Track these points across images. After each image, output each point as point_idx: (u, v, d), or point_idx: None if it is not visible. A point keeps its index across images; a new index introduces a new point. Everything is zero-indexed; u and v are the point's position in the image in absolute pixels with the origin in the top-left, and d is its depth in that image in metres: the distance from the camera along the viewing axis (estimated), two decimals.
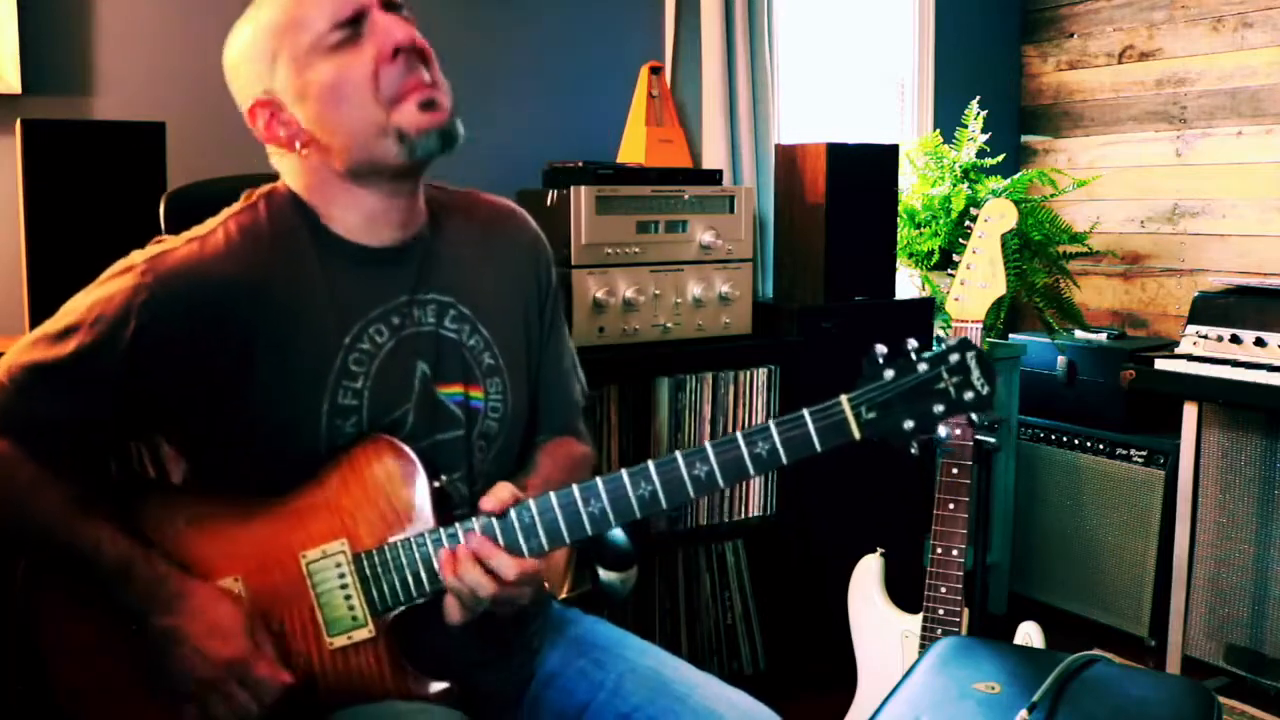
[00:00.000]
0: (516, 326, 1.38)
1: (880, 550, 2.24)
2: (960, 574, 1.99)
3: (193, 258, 1.19)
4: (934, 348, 1.16)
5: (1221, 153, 3.26)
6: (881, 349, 1.16)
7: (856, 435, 1.15)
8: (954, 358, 1.15)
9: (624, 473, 1.17)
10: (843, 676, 2.23)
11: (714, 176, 2.61)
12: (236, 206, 1.26)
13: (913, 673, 1.58)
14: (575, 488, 1.18)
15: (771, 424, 1.15)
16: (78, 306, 1.19)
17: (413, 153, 1.21)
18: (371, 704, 1.19)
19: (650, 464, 1.17)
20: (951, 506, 1.99)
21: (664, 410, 2.46)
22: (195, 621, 1.15)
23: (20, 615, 1.21)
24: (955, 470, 1.99)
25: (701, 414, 2.51)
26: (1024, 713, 1.41)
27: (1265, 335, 2.53)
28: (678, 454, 1.16)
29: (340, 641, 1.20)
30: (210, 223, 1.24)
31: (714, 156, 2.85)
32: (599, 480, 1.18)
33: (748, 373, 2.55)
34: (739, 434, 1.16)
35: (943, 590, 2.00)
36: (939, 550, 2.00)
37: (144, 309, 1.16)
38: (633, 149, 2.79)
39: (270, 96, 1.22)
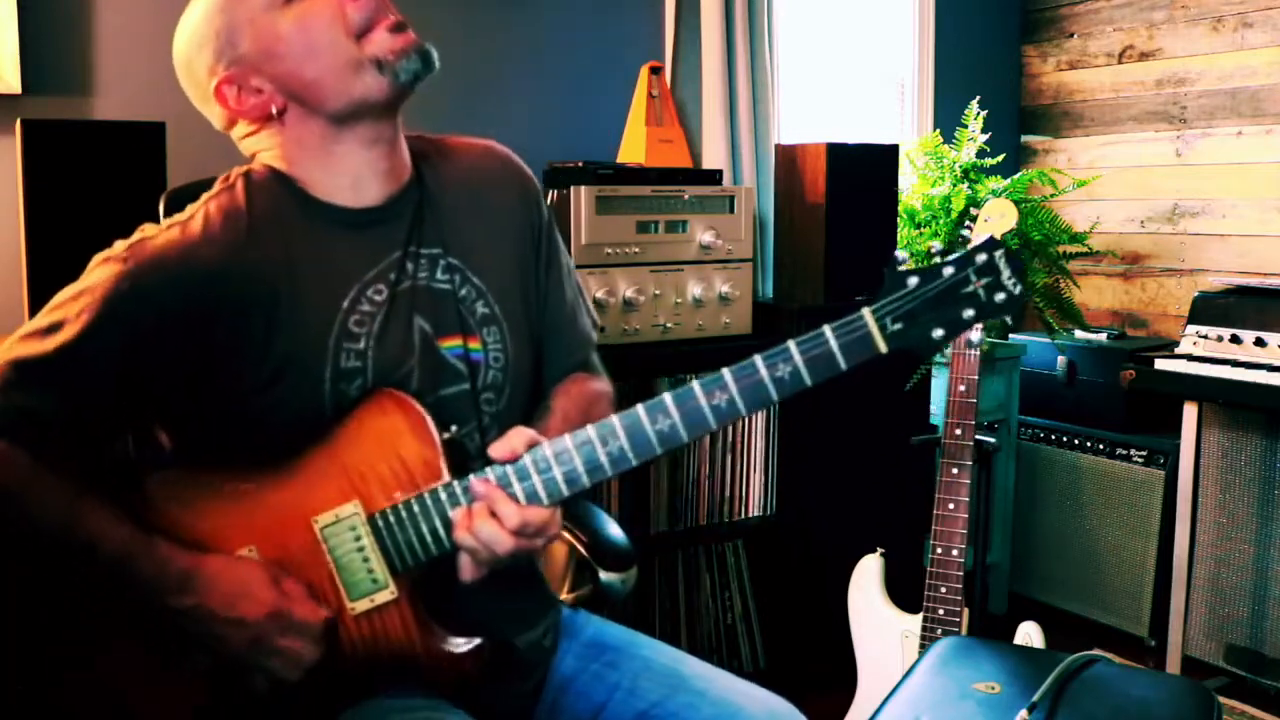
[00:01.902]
0: (512, 272, 1.34)
1: (880, 550, 2.24)
2: (960, 574, 1.99)
3: (175, 243, 1.17)
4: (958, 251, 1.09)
5: (1221, 153, 3.26)
6: (902, 254, 1.11)
7: (883, 349, 1.09)
8: (981, 258, 1.08)
9: (640, 408, 1.12)
10: (843, 676, 2.23)
11: (714, 176, 2.61)
12: (215, 189, 1.24)
13: (913, 673, 1.59)
14: (590, 428, 1.12)
15: (791, 343, 1.09)
16: (63, 299, 1.17)
17: (396, 78, 1.19)
18: (378, 701, 1.17)
19: (667, 396, 1.11)
20: (951, 506, 1.99)
21: None
22: (214, 594, 1.12)
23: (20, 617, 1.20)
24: (955, 470, 1.99)
25: None
26: (1024, 713, 1.41)
27: (1265, 335, 2.53)
28: (695, 383, 1.11)
29: (363, 605, 1.16)
30: (191, 208, 1.22)
31: (714, 156, 2.85)
32: (615, 418, 1.12)
33: None
34: (758, 357, 1.10)
35: (943, 590, 2.00)
36: (939, 550, 2.00)
37: (128, 297, 1.14)
38: (633, 149, 2.79)
39: (234, 69, 1.20)
